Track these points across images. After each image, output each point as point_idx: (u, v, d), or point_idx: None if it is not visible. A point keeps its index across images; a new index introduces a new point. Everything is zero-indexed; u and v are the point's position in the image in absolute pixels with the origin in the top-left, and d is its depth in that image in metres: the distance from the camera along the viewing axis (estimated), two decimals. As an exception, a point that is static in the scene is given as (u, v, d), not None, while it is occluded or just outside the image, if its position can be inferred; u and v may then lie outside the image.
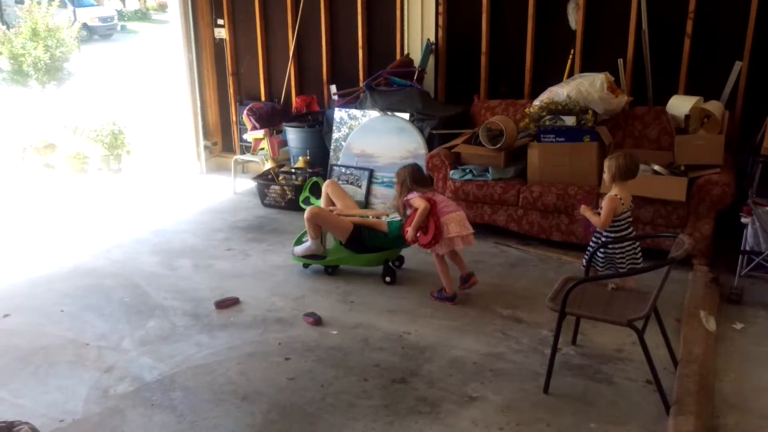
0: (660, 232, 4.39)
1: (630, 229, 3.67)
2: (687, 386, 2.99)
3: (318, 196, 5.69)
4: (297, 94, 6.74)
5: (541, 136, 4.88)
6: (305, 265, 4.59)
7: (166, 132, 9.41)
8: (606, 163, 3.63)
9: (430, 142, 5.53)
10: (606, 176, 3.66)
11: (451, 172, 5.15)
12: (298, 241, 4.63)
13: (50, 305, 4.15)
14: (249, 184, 6.52)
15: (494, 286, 4.34)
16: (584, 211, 3.66)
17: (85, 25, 17.03)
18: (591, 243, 3.77)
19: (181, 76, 7.14)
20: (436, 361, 3.44)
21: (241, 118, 6.80)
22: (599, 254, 3.63)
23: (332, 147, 6.09)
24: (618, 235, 3.62)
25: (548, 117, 4.92)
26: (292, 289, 4.35)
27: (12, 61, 8.41)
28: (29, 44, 8.31)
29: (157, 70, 14.15)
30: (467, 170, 5.10)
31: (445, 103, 6.04)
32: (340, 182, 5.58)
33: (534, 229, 4.91)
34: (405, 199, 4.07)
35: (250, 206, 6.16)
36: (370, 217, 4.57)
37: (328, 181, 4.94)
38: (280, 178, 6.13)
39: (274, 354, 3.54)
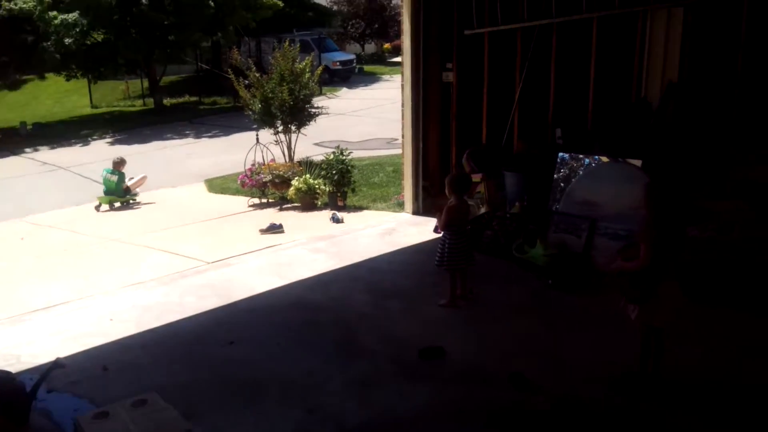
0: None
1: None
2: None
3: (533, 245, 5.40)
4: (518, 138, 6.52)
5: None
6: None
7: (387, 170, 9.76)
8: (447, 181, 4.72)
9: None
10: (448, 191, 4.68)
11: (690, 229, 4.54)
12: None
13: (268, 337, 4.35)
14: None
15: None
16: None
17: (326, 68, 18.55)
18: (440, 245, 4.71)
19: (407, 117, 7.29)
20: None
21: (461, 160, 6.75)
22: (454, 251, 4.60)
23: (551, 190, 5.76)
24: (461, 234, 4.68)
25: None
26: (501, 344, 4.10)
27: (263, 104, 9.31)
28: (277, 88, 9.16)
29: (387, 111, 14.89)
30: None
31: (686, 148, 5.39)
32: (557, 231, 5.28)
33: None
34: None
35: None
36: None
37: None
38: (494, 223, 5.93)
39: (474, 416, 3.32)
